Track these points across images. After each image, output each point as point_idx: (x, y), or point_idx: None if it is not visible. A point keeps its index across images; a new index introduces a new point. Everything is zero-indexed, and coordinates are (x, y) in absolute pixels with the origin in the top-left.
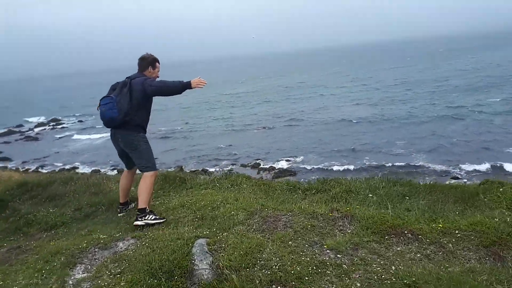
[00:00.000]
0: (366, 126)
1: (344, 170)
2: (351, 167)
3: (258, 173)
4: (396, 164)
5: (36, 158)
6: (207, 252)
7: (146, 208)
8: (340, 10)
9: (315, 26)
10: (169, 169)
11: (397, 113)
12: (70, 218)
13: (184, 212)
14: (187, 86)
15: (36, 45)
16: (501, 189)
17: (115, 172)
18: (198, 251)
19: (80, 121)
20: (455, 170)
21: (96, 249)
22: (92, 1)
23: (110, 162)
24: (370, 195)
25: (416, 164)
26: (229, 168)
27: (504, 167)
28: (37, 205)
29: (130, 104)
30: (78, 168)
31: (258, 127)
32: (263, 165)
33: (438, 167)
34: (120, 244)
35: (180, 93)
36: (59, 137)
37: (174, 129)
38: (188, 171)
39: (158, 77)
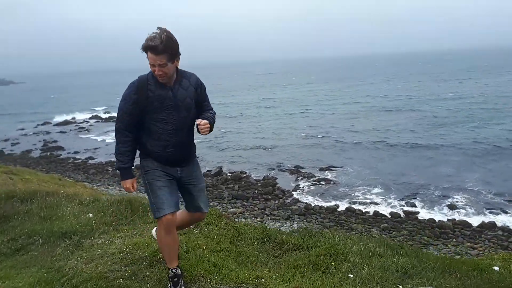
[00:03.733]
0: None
1: (387, 206)
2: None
3: (296, 180)
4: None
5: (86, 149)
6: None
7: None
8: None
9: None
10: (209, 170)
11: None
12: None
13: (113, 263)
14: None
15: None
16: None
17: None
18: None
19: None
20: None
21: None
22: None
23: None
24: (355, 270)
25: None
26: (268, 173)
27: None
28: None
29: None
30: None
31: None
32: (303, 173)
33: None
34: None
35: None
36: (110, 129)
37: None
38: (228, 172)
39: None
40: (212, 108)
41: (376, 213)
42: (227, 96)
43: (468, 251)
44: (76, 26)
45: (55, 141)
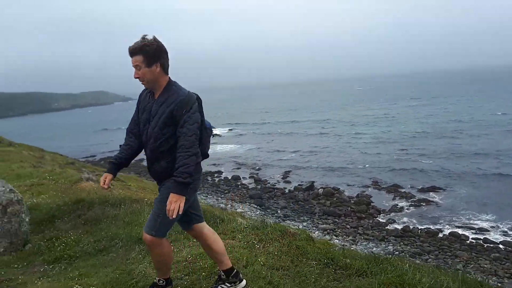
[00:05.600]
0: None
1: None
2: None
3: (393, 199)
4: None
5: None
6: None
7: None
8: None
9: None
10: (300, 184)
11: None
12: (81, 251)
13: (177, 271)
14: None
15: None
16: None
17: (252, 180)
18: None
19: (231, 129)
20: None
21: None
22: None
23: (249, 168)
24: None
25: None
26: (362, 190)
27: None
28: (75, 228)
29: None
30: (222, 172)
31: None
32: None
33: None
34: None
35: None
36: (212, 143)
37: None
38: (319, 187)
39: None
40: (189, 140)
41: (485, 241)
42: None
43: None
44: (186, 46)
45: None
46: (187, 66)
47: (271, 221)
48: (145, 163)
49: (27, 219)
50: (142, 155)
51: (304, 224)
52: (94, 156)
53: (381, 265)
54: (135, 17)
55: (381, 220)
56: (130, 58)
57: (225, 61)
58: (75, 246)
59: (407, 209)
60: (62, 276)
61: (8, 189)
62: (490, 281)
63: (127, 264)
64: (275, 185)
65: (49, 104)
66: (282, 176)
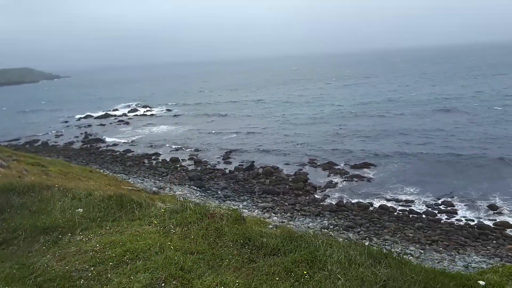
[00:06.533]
0: None
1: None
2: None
3: (328, 176)
4: None
5: (125, 142)
6: None
7: None
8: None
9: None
10: (241, 164)
11: None
12: None
13: (82, 262)
14: None
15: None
16: None
17: (191, 162)
18: None
19: (168, 109)
20: None
21: None
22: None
23: (188, 150)
24: (330, 280)
25: None
26: (299, 168)
27: None
28: None
29: None
30: (160, 154)
31: None
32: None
33: None
34: None
35: None
36: (147, 123)
37: None
38: (259, 167)
39: None
40: None
41: (410, 212)
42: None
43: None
44: (105, 23)
45: (95, 134)
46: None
47: (212, 202)
48: (75, 145)
49: None
50: (71, 138)
51: (244, 203)
52: (18, 139)
53: (295, 242)
54: None
55: (317, 196)
56: (58, 34)
57: (168, 38)
58: None
59: (341, 184)
60: None
61: None
62: (407, 250)
63: (29, 257)
64: (215, 166)
65: None
66: (222, 157)
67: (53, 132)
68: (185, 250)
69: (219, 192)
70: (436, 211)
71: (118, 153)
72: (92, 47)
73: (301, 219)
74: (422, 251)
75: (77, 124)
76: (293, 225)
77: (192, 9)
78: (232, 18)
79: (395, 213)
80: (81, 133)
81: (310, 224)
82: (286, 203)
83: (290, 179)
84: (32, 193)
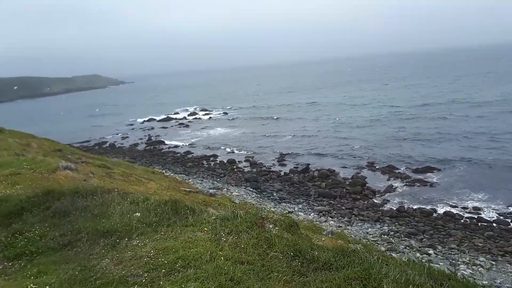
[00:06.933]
0: None
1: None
2: None
3: (388, 180)
4: None
5: (185, 144)
6: None
7: None
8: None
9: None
10: (296, 167)
11: None
12: (44, 246)
13: (137, 267)
14: None
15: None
16: None
17: (247, 164)
18: None
19: (225, 112)
20: None
21: None
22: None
23: (243, 152)
24: None
25: None
26: (357, 172)
27: None
28: (42, 221)
29: None
30: (218, 156)
31: None
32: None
33: None
34: None
35: None
36: (205, 126)
37: None
38: (315, 169)
39: None
40: None
41: (479, 219)
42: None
43: None
44: (161, 31)
45: (158, 136)
46: (180, 50)
47: (267, 203)
48: (140, 147)
49: None
50: (136, 139)
51: (300, 206)
52: (88, 141)
53: (348, 257)
54: (123, 1)
55: (376, 201)
56: (120, 43)
57: (217, 45)
58: (38, 241)
59: (402, 189)
60: (19, 274)
61: None
62: (476, 261)
63: (90, 260)
64: (270, 168)
65: (41, 89)
66: (277, 159)
67: (119, 134)
68: (235, 259)
69: (274, 194)
70: (509, 220)
71: (179, 154)
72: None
73: (359, 224)
74: (493, 262)
75: (141, 127)
76: (351, 230)
77: (244, 16)
78: (284, 21)
79: (462, 221)
80: (145, 135)
81: (369, 229)
82: (343, 207)
83: (347, 183)
84: (95, 196)
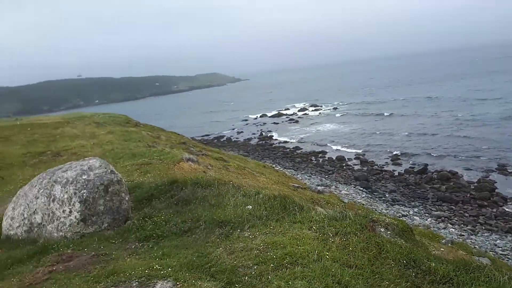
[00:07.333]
0: None
1: None
2: None
3: None
4: None
5: (294, 140)
6: None
7: None
8: None
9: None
10: (412, 167)
11: None
12: (168, 231)
13: (248, 259)
14: None
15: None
16: None
17: (357, 161)
18: None
19: (335, 108)
20: None
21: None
22: None
23: (353, 149)
24: None
25: None
26: (484, 175)
27: None
28: (167, 207)
29: None
30: (326, 152)
31: None
32: None
33: None
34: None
35: None
36: (315, 122)
37: None
38: (433, 171)
39: None
40: None
41: None
42: None
43: None
44: (280, 25)
45: (269, 131)
46: (297, 45)
47: (378, 205)
48: (253, 141)
49: (126, 198)
50: (250, 134)
51: (415, 209)
52: (208, 135)
53: (472, 273)
54: (241, 1)
55: (507, 209)
56: (240, 41)
57: (336, 39)
58: (164, 225)
59: None
60: (147, 255)
61: (109, 171)
62: None
63: (206, 247)
64: (383, 167)
65: (169, 86)
66: (390, 158)
67: (235, 129)
68: (343, 262)
69: (387, 195)
70: None
71: (288, 150)
72: (269, 51)
73: (485, 234)
74: None
75: (255, 122)
76: (475, 240)
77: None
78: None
79: None
80: (257, 131)
81: (498, 241)
82: (466, 214)
83: (472, 187)
84: (212, 187)
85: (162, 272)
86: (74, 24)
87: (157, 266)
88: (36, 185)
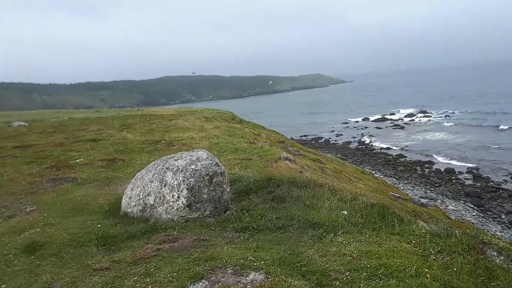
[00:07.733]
0: None
1: None
2: None
3: None
4: None
5: (398, 146)
6: None
7: None
8: None
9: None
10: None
11: None
12: (263, 226)
13: (340, 264)
14: None
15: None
16: None
17: (470, 176)
18: None
19: (447, 116)
20: None
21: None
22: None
23: (465, 162)
24: None
25: None
26: None
27: None
28: (263, 202)
29: None
30: (434, 163)
31: None
32: None
33: None
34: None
35: None
36: (423, 130)
37: None
38: None
39: None
40: None
41: None
42: None
43: None
44: (387, 24)
45: (371, 136)
46: (406, 45)
47: (492, 226)
48: (352, 145)
49: (228, 189)
50: (349, 137)
51: None
52: (306, 136)
53: None
54: (344, 3)
55: None
56: (341, 42)
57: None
58: (259, 219)
59: None
60: (243, 245)
61: (214, 163)
62: None
63: (298, 246)
64: (500, 185)
65: (273, 86)
66: (510, 176)
67: (334, 132)
68: (445, 282)
69: (503, 216)
70: None
71: (390, 156)
72: (374, 52)
73: None
74: None
75: (355, 126)
76: None
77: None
78: None
79: None
80: (358, 134)
81: None
82: None
83: None
84: (307, 188)
85: (255, 264)
86: (189, 24)
87: (251, 257)
88: (151, 170)
